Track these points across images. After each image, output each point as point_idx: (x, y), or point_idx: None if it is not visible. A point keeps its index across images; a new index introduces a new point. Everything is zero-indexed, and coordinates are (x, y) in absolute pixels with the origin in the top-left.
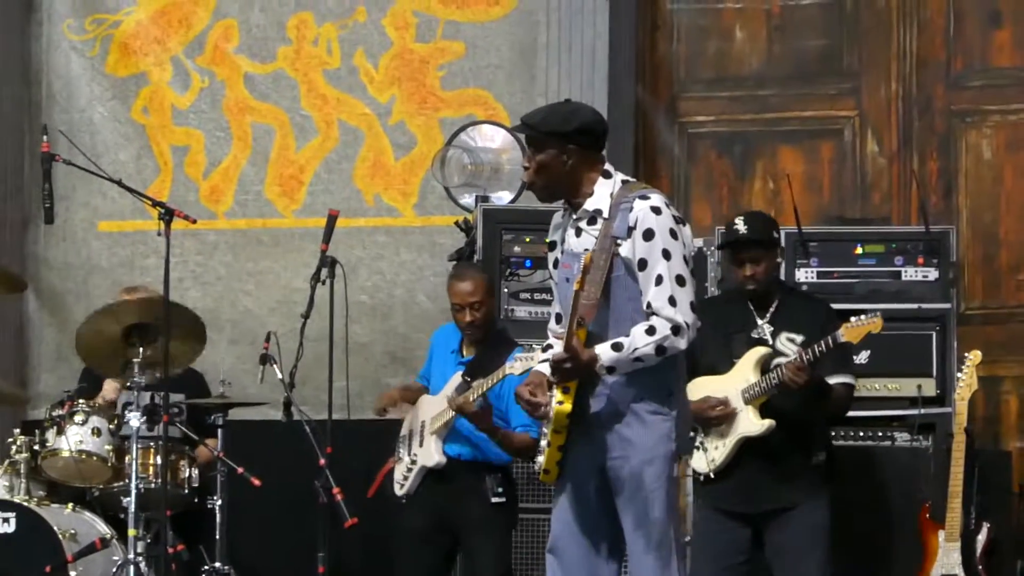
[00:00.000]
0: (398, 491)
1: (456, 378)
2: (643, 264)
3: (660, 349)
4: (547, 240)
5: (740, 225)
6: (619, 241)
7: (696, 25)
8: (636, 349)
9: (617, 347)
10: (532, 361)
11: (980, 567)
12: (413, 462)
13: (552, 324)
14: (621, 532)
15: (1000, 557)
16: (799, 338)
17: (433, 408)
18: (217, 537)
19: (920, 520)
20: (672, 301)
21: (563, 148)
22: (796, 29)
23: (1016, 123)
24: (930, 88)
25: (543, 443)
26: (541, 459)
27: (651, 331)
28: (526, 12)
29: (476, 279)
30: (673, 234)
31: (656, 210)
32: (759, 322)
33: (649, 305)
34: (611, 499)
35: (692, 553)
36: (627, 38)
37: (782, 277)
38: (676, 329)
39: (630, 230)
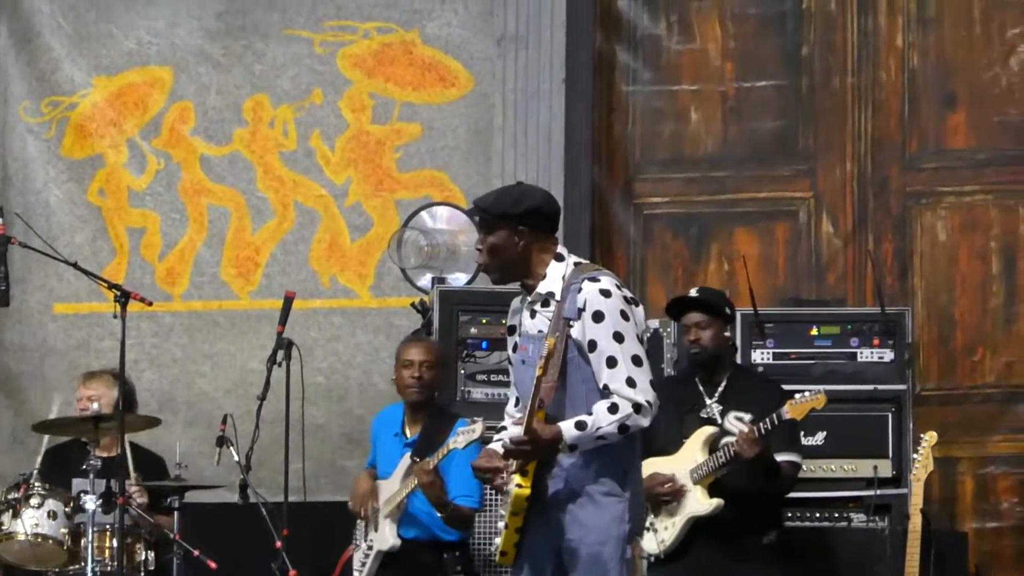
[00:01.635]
0: None
1: (405, 460)
2: (593, 346)
3: (623, 427)
4: (506, 324)
5: (692, 291)
6: (571, 323)
7: (652, 107)
8: (600, 428)
9: (581, 425)
10: (474, 434)
11: None
12: (370, 547)
13: (509, 407)
14: None
15: None
16: (747, 417)
17: (384, 493)
18: None
19: None
20: (631, 382)
21: (514, 230)
22: (751, 111)
23: (971, 204)
24: (885, 169)
25: (500, 525)
26: (498, 541)
27: (614, 409)
28: (482, 94)
29: (428, 343)
30: (624, 315)
31: (605, 292)
32: (708, 401)
33: (607, 387)
34: None
35: None
36: (583, 120)
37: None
38: (638, 408)
39: (580, 312)
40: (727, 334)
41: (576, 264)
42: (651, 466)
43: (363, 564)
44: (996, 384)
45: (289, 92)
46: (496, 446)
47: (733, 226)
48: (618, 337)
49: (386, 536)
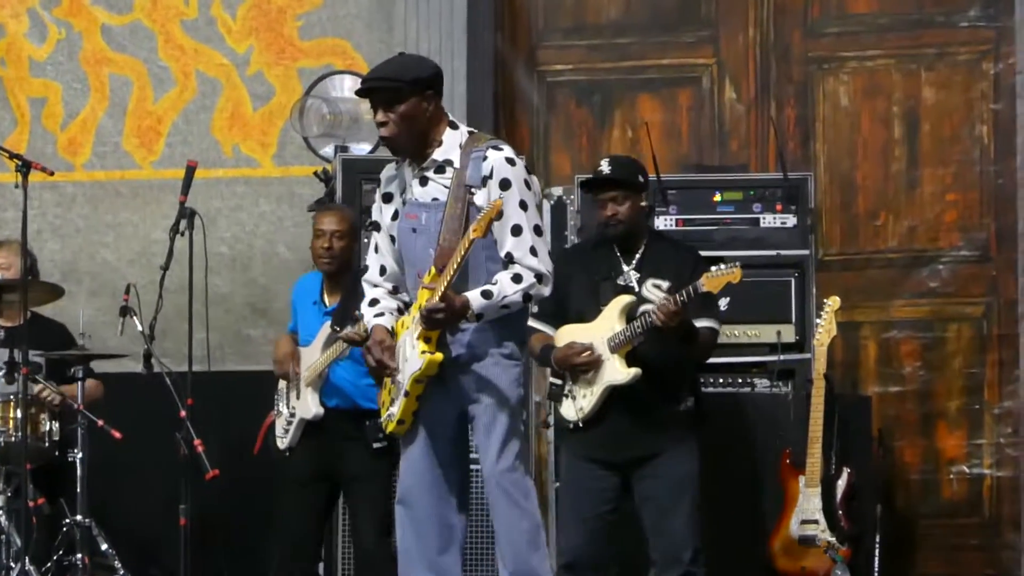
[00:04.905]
0: (280, 445)
1: (325, 328)
2: (499, 213)
3: (527, 296)
4: (381, 192)
5: (604, 166)
6: (473, 190)
7: None
8: (505, 296)
9: (487, 294)
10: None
11: (840, 512)
12: (292, 415)
13: (372, 275)
14: (468, 484)
15: (860, 502)
16: (665, 284)
17: (306, 360)
18: (78, 490)
19: (780, 466)
20: (533, 251)
21: (423, 96)
22: None
23: (873, 70)
24: (787, 35)
25: (399, 394)
26: (395, 410)
27: (517, 279)
28: None
29: (339, 213)
30: (527, 184)
31: (511, 161)
32: (625, 268)
33: (509, 255)
34: (463, 448)
35: (559, 502)
36: None
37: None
38: (540, 277)
39: (485, 179)
40: (643, 203)
41: (470, 132)
42: (568, 334)
43: (285, 431)
44: (898, 248)
45: None
46: (379, 320)
47: (636, 93)
48: (523, 206)
49: (308, 404)
